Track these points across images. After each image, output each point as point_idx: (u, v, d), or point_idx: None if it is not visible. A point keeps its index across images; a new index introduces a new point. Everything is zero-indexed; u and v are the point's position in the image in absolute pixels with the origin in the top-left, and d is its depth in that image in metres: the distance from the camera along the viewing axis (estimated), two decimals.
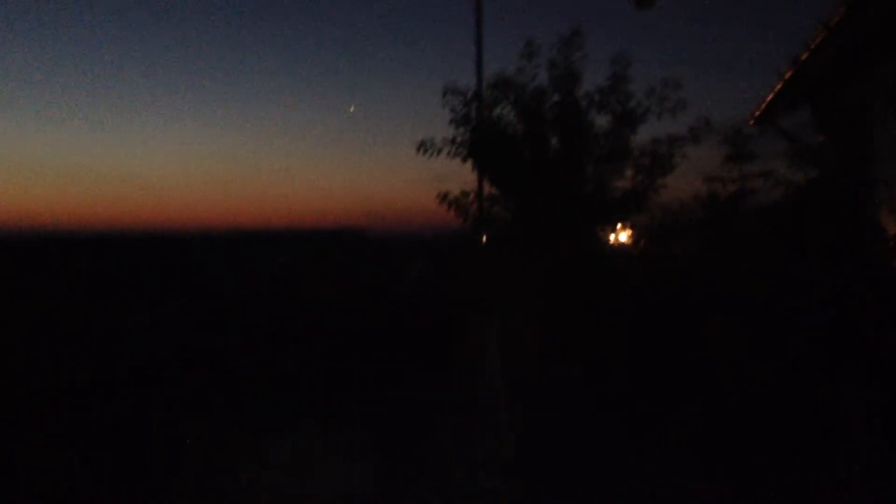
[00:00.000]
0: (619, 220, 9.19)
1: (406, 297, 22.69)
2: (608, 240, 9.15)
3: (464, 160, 8.93)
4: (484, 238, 9.73)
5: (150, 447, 6.50)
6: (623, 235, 9.13)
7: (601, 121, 8.73)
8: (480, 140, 8.80)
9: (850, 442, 5.27)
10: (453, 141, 8.86)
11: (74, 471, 5.99)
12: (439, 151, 8.90)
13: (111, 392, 8.74)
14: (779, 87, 9.16)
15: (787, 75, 8.65)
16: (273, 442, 6.24)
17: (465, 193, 9.06)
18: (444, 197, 9.00)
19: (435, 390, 8.01)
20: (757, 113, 10.30)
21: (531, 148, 8.82)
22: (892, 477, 4.79)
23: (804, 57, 7.86)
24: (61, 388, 8.81)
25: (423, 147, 8.89)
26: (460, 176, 11.88)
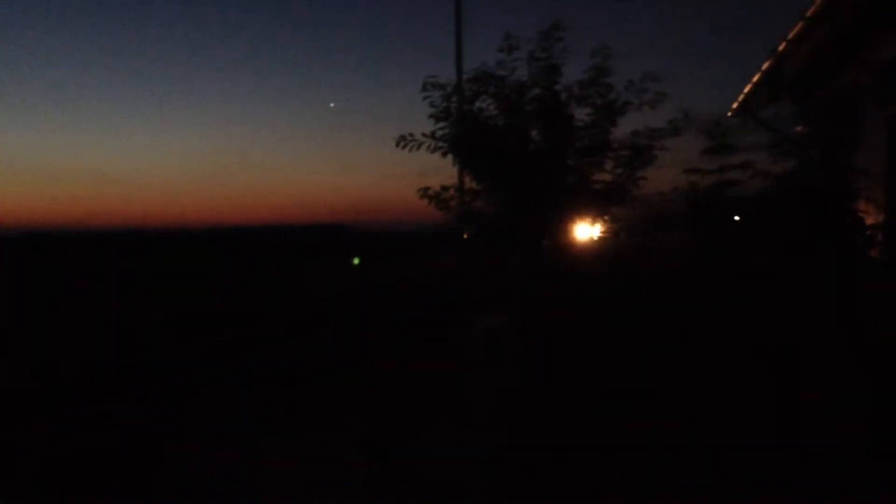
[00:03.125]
0: (601, 213, 9.15)
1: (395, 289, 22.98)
2: (590, 232, 9.11)
3: (444, 154, 8.87)
4: (466, 234, 9.68)
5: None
6: (603, 228, 9.08)
7: (581, 113, 8.69)
8: (460, 134, 8.74)
9: None
10: (433, 135, 8.80)
11: None
12: (419, 146, 8.84)
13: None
14: (757, 77, 9.18)
15: (766, 66, 8.67)
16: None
17: (445, 188, 8.98)
18: (424, 191, 8.92)
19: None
20: (736, 105, 10.33)
21: (512, 141, 8.77)
22: None
23: (782, 48, 7.88)
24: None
25: (403, 141, 8.83)
26: (444, 171, 11.82)
